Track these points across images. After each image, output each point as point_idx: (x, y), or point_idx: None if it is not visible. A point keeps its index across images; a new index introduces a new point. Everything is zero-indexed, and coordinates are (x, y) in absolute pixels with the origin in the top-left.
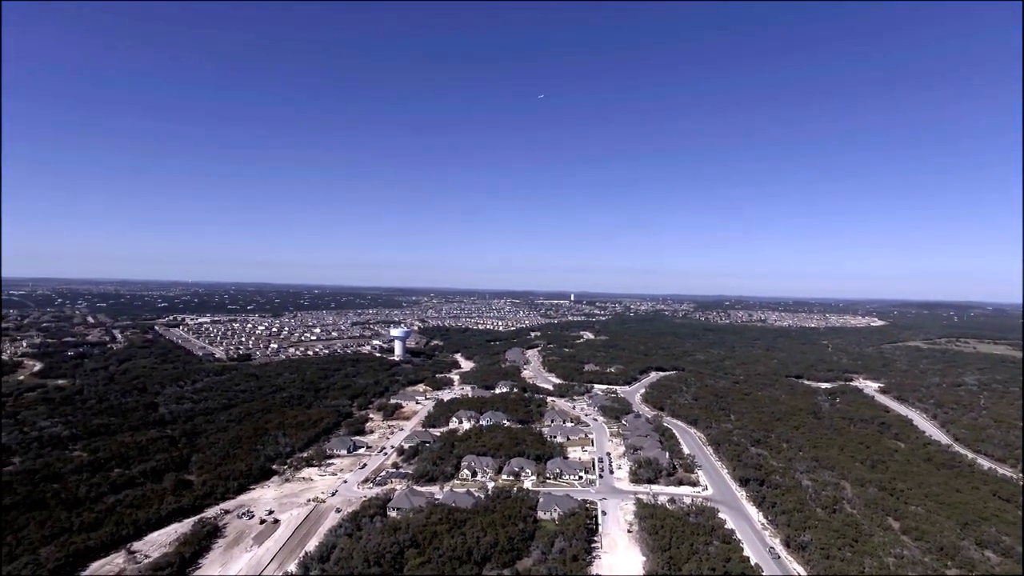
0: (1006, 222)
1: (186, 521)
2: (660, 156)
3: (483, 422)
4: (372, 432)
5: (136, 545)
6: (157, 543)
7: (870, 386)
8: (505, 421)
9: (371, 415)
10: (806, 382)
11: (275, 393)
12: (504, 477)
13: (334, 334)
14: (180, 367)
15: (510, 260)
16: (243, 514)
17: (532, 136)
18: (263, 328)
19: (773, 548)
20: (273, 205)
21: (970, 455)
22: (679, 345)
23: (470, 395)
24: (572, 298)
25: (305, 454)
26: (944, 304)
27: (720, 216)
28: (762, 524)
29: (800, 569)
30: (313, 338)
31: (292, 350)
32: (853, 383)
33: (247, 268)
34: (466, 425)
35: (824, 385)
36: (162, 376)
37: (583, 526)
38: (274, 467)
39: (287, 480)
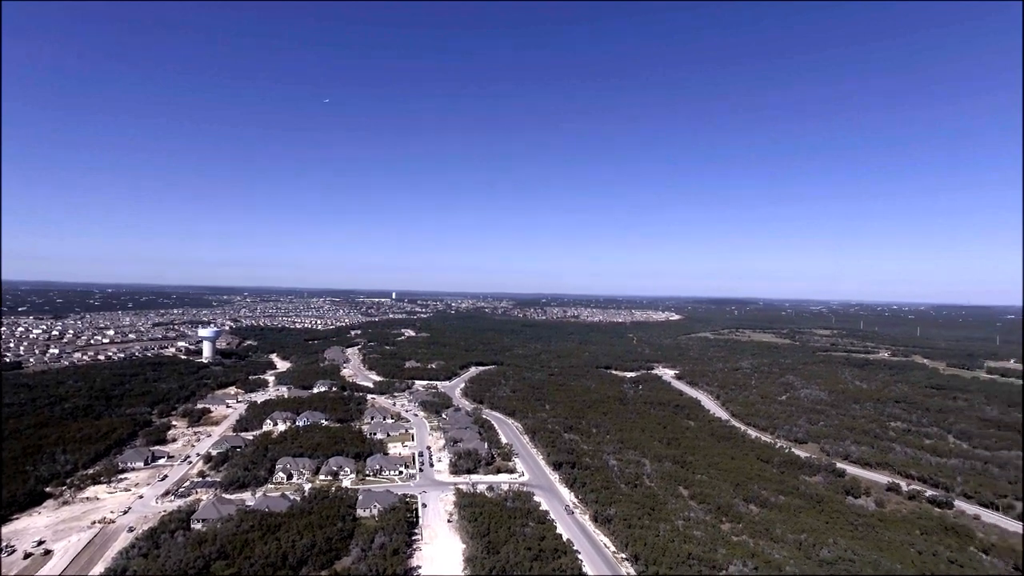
0: (765, 223)
1: None
2: (477, 160)
3: (300, 423)
4: (175, 440)
5: None
6: None
7: (668, 373)
8: (324, 421)
9: (175, 422)
10: (614, 372)
11: (55, 404)
12: (322, 477)
13: (131, 336)
14: None
15: (331, 259)
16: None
17: (343, 135)
18: (40, 331)
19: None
20: (43, 187)
21: (743, 427)
22: (499, 341)
23: (286, 396)
24: (394, 296)
25: (91, 471)
26: (729, 300)
27: (535, 217)
28: (573, 503)
29: (607, 539)
30: (106, 341)
31: (79, 355)
32: (654, 371)
33: (20, 263)
34: (282, 427)
35: (630, 374)
36: None
37: (404, 520)
38: (48, 489)
39: (66, 503)
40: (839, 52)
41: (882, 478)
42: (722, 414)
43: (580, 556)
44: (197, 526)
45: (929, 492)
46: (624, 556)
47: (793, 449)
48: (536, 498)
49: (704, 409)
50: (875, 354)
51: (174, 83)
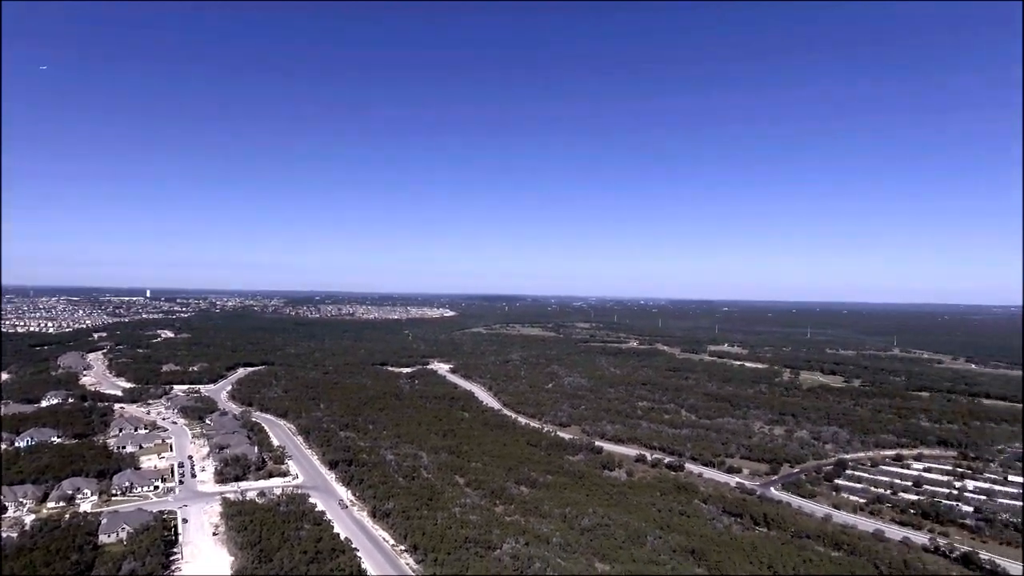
0: (531, 226)
1: None
2: (242, 147)
3: (21, 444)
4: None
5: None
6: None
7: (443, 368)
8: (56, 438)
9: None
10: (391, 368)
11: None
12: (52, 504)
13: None
14: None
15: (66, 252)
16: None
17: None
18: None
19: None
20: None
21: (514, 415)
22: (269, 340)
23: (2, 413)
24: (148, 295)
25: None
26: (499, 297)
27: (307, 212)
28: (351, 501)
29: (385, 533)
30: None
31: None
32: (430, 366)
33: None
34: None
35: (406, 370)
36: None
37: (159, 540)
38: None
39: None
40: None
41: (632, 451)
42: (495, 404)
43: (359, 553)
44: None
45: (667, 459)
46: (403, 548)
47: (558, 432)
48: (312, 499)
49: (478, 400)
50: (626, 343)
51: None
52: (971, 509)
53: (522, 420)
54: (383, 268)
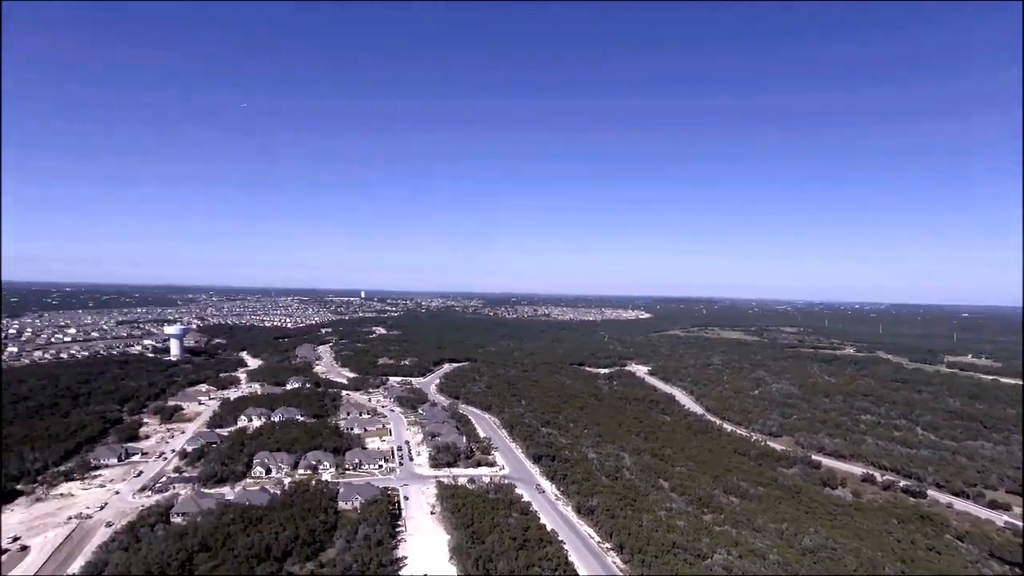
0: (731, 227)
1: None
2: (441, 161)
3: (275, 419)
4: (148, 437)
5: None
6: None
7: (641, 370)
8: (299, 416)
9: (146, 419)
10: (588, 368)
11: (17, 403)
12: (301, 471)
13: (95, 334)
14: None
15: (297, 257)
16: None
17: (306, 136)
18: None
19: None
20: None
21: (718, 421)
22: (470, 338)
23: (260, 392)
24: (363, 295)
25: (63, 467)
26: (695, 299)
27: (504, 216)
28: (555, 495)
29: (590, 530)
30: (67, 339)
31: (39, 353)
32: (627, 368)
33: None
34: (257, 423)
35: (603, 371)
36: None
37: (386, 512)
38: (20, 487)
39: (39, 499)
40: (826, 51)
41: (856, 469)
42: (697, 409)
43: (565, 546)
44: (177, 520)
45: (902, 482)
46: (608, 546)
47: (768, 442)
48: (518, 490)
49: (679, 404)
50: (841, 350)
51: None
52: None
53: (727, 427)
54: (576, 270)
